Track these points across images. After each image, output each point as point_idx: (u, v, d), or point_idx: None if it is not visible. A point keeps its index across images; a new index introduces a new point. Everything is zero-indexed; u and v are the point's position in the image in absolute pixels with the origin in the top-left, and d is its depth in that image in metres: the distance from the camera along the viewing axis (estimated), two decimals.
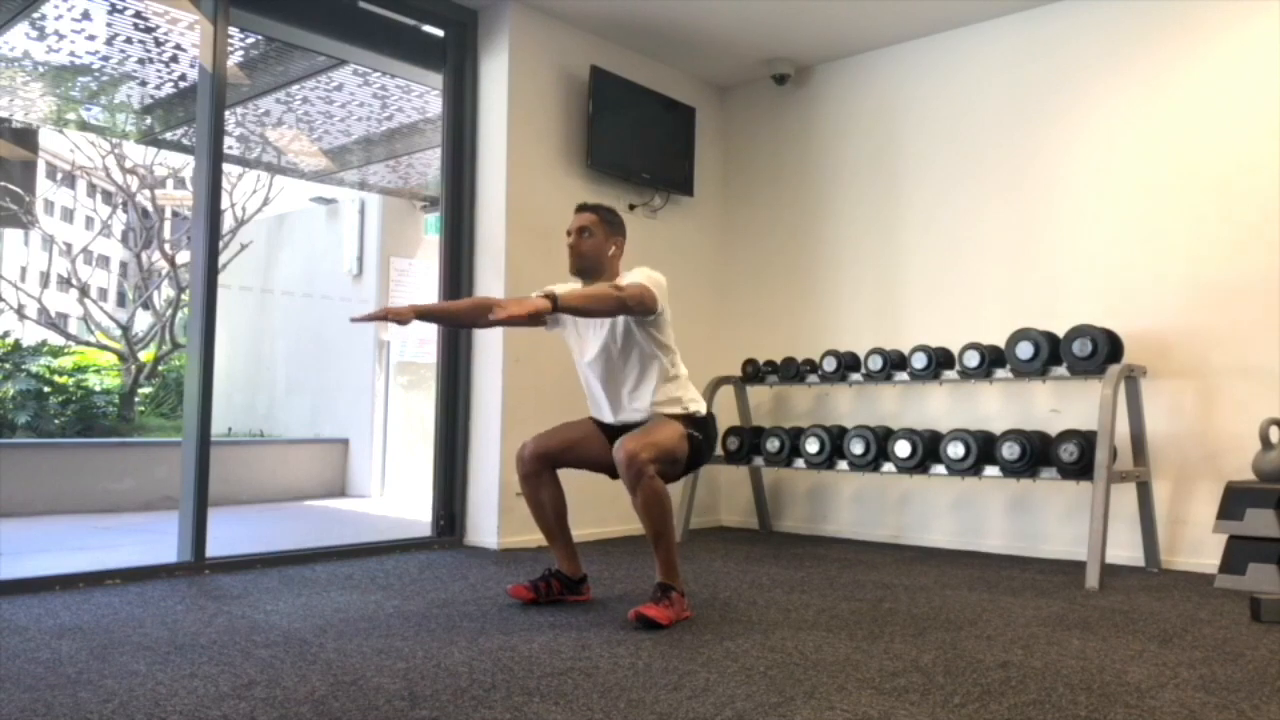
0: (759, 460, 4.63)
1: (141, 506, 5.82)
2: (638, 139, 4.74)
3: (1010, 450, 3.78)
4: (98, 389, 7.99)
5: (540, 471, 2.93)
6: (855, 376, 4.47)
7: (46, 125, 6.79)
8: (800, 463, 4.43)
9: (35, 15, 4.43)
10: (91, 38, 4.68)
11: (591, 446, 2.96)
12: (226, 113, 3.91)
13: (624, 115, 4.66)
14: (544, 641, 2.47)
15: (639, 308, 2.71)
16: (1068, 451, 3.65)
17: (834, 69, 5.03)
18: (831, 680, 2.13)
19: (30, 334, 9.13)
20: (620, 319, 2.81)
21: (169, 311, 8.91)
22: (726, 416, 5.01)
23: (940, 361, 4.21)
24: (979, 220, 4.47)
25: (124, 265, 24.01)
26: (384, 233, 7.11)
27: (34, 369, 7.24)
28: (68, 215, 25.25)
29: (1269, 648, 2.51)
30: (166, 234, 9.95)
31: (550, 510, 2.97)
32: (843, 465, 4.30)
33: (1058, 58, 4.27)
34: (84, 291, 9.25)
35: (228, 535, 4.13)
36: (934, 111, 4.65)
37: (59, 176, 17.67)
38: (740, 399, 4.99)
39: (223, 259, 7.38)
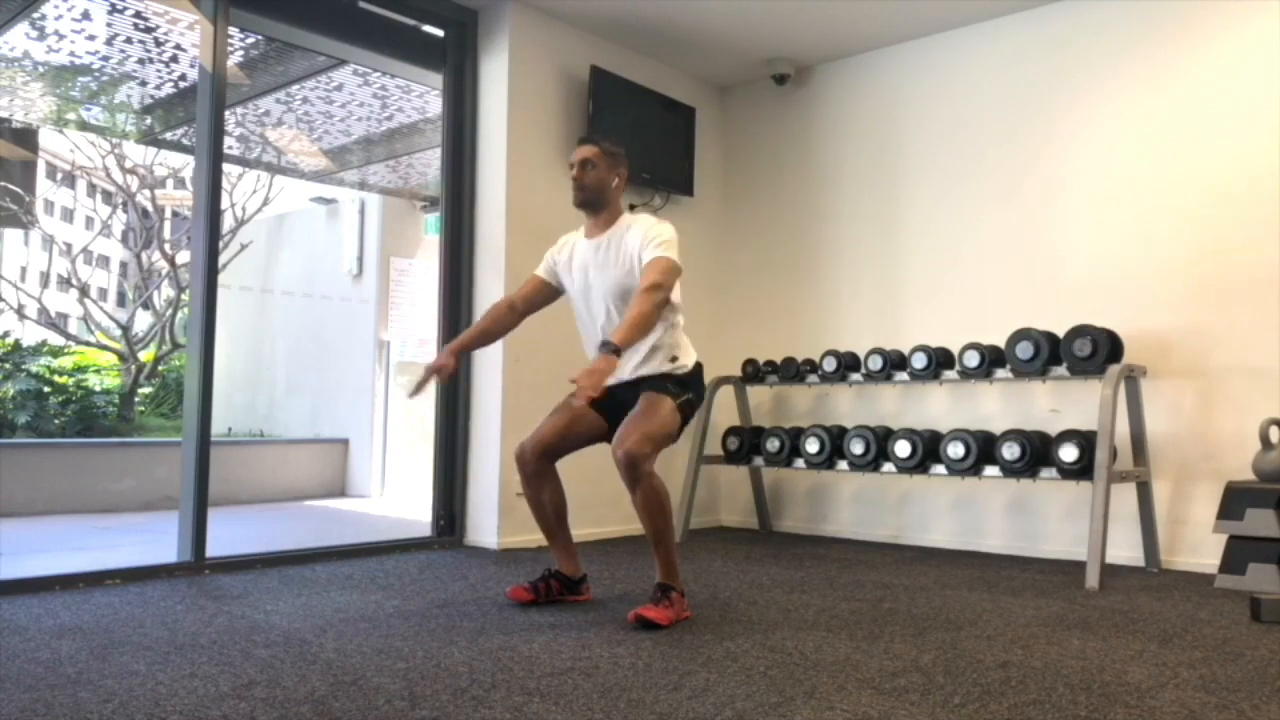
0: (759, 460, 4.63)
1: (141, 506, 5.82)
2: (638, 139, 4.73)
3: (1010, 450, 3.78)
4: (98, 389, 7.99)
5: (543, 469, 2.92)
6: (855, 376, 4.47)
7: (46, 125, 6.79)
8: (800, 463, 4.44)
9: (35, 15, 4.43)
10: (91, 38, 4.68)
11: (583, 423, 2.93)
12: (226, 113, 3.91)
13: (624, 115, 4.66)
14: (544, 641, 2.47)
15: (672, 290, 2.76)
16: (1068, 451, 3.65)
17: (834, 69, 5.03)
18: (831, 680, 2.13)
19: (30, 334, 9.14)
20: (631, 270, 2.81)
21: (169, 311, 8.91)
22: (726, 416, 5.01)
23: (940, 361, 4.21)
24: (979, 220, 4.48)
25: (124, 265, 24.03)
26: (384, 233, 7.11)
27: (34, 369, 7.23)
28: (68, 215, 25.27)
29: (1269, 648, 2.51)
30: (166, 234, 9.95)
31: (551, 510, 2.97)
32: (843, 465, 4.30)
33: (1058, 58, 4.27)
34: (84, 291, 9.25)
35: (228, 535, 4.13)
36: (934, 111, 4.65)
37: (59, 176, 17.69)
38: (740, 399, 4.99)
39: (223, 259, 7.38)
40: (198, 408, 3.49)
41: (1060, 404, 4.16)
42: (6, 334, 7.83)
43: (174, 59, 4.90)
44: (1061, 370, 3.85)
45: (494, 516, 4.20)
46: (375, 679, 2.10)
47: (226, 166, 4.63)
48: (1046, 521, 4.20)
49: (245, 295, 8.10)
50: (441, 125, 4.50)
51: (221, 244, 6.17)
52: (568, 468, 2.99)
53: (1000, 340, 4.06)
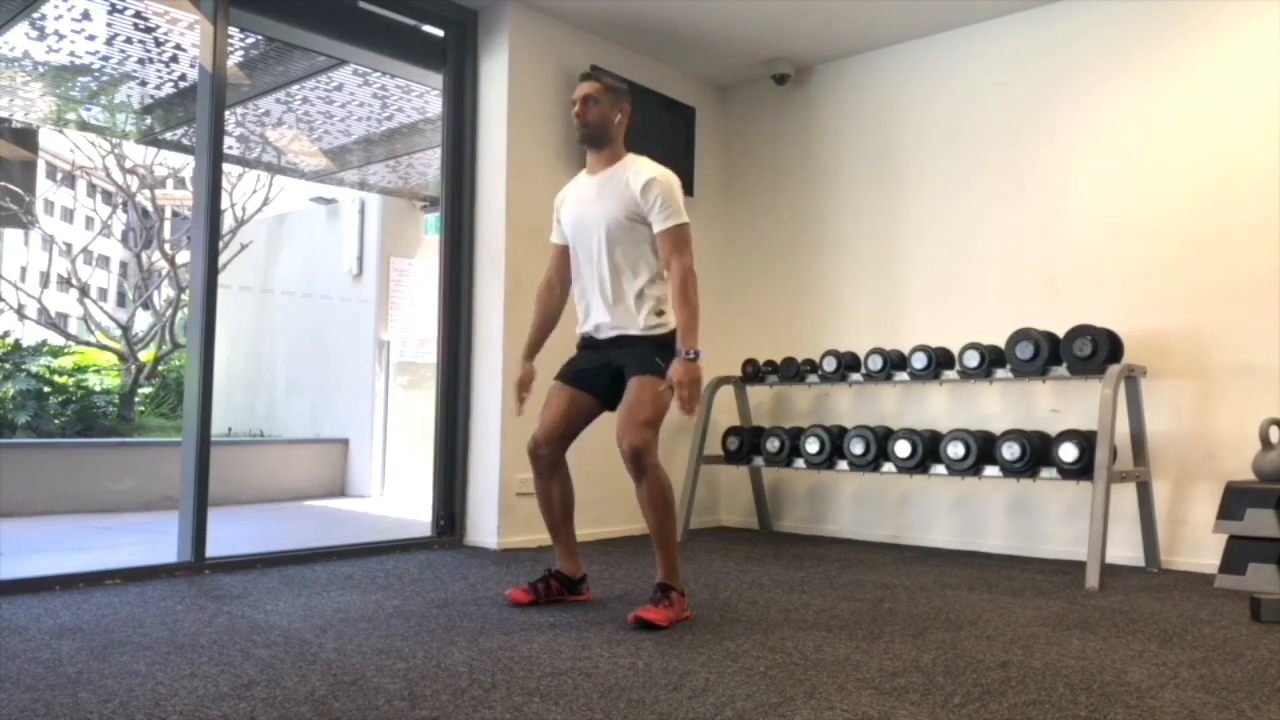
0: (759, 460, 4.63)
1: (141, 506, 5.82)
2: (637, 139, 4.72)
3: (1010, 450, 3.78)
4: (98, 389, 7.99)
5: (556, 459, 2.94)
6: (855, 376, 4.47)
7: (46, 125, 6.79)
8: (800, 463, 4.44)
9: (35, 15, 4.43)
10: (91, 38, 4.68)
11: (578, 404, 2.94)
12: (226, 113, 3.90)
13: None
14: (544, 641, 2.47)
15: (692, 255, 2.81)
16: (1068, 451, 3.65)
17: (834, 69, 5.03)
18: (831, 680, 2.13)
19: (30, 334, 9.14)
20: (628, 206, 2.84)
21: (169, 311, 8.91)
22: (726, 416, 5.01)
23: (940, 361, 4.21)
24: (979, 220, 4.47)
25: (124, 265, 24.04)
26: (384, 233, 7.11)
27: (34, 369, 7.23)
28: (68, 215, 25.27)
29: (1269, 648, 2.51)
30: (166, 234, 9.95)
31: (559, 504, 2.98)
32: (843, 465, 4.30)
33: (1058, 58, 4.27)
34: (84, 291, 9.25)
35: (228, 535, 4.13)
36: (934, 111, 4.65)
37: (59, 176, 17.70)
38: (740, 399, 4.99)
39: (223, 259, 7.39)
40: (198, 408, 3.49)
41: (1060, 404, 4.16)
42: (6, 334, 7.83)
43: (174, 59, 4.90)
44: (1061, 370, 3.85)
45: (494, 516, 4.20)
46: (375, 679, 2.10)
47: (226, 166, 4.63)
48: (1046, 521, 4.20)
49: (245, 295, 8.10)
50: (441, 125, 4.50)
51: (221, 244, 6.17)
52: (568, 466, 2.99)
53: (1000, 340, 4.06)
